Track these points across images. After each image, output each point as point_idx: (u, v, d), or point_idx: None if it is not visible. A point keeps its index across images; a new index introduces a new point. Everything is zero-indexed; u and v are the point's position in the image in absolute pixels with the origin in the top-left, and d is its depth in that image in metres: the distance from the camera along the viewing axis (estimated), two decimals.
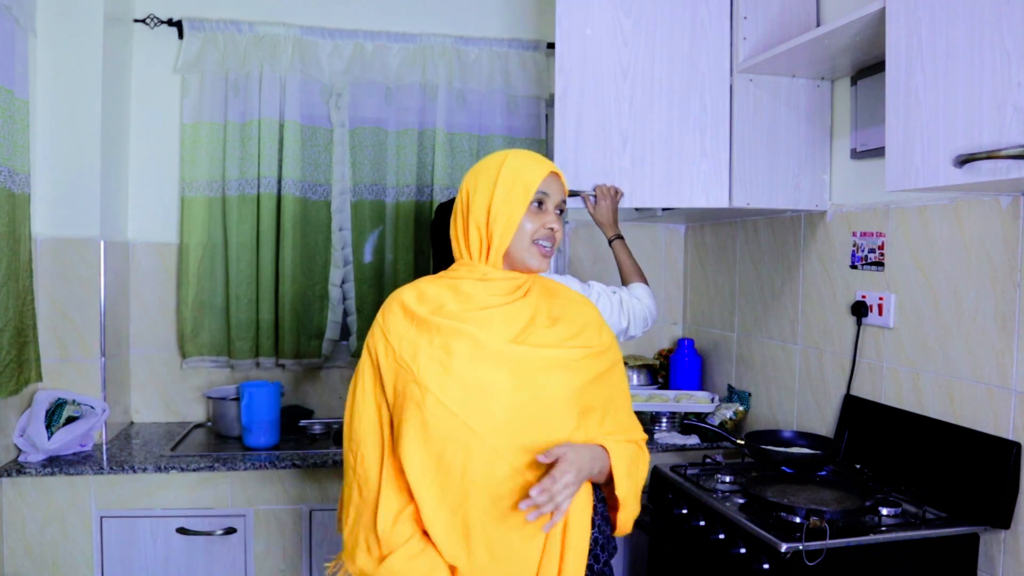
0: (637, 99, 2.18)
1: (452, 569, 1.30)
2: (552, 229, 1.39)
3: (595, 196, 2.19)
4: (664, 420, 2.63)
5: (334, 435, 2.67)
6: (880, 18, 1.58)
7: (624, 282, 2.20)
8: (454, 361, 1.30)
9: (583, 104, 2.19)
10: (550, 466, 1.26)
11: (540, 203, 1.39)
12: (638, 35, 2.18)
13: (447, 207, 2.10)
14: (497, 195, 1.36)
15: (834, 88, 2.20)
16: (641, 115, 2.18)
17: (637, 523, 2.30)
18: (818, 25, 2.14)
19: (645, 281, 2.20)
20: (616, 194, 2.17)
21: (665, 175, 2.18)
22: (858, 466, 1.96)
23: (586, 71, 2.19)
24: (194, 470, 2.20)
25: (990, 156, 1.26)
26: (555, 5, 2.19)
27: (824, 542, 1.55)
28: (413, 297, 1.40)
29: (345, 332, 2.85)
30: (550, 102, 2.97)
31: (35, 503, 2.16)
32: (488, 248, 1.38)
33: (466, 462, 1.28)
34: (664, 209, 2.62)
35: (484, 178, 1.38)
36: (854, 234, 2.10)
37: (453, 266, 1.45)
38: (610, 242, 2.23)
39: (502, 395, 1.30)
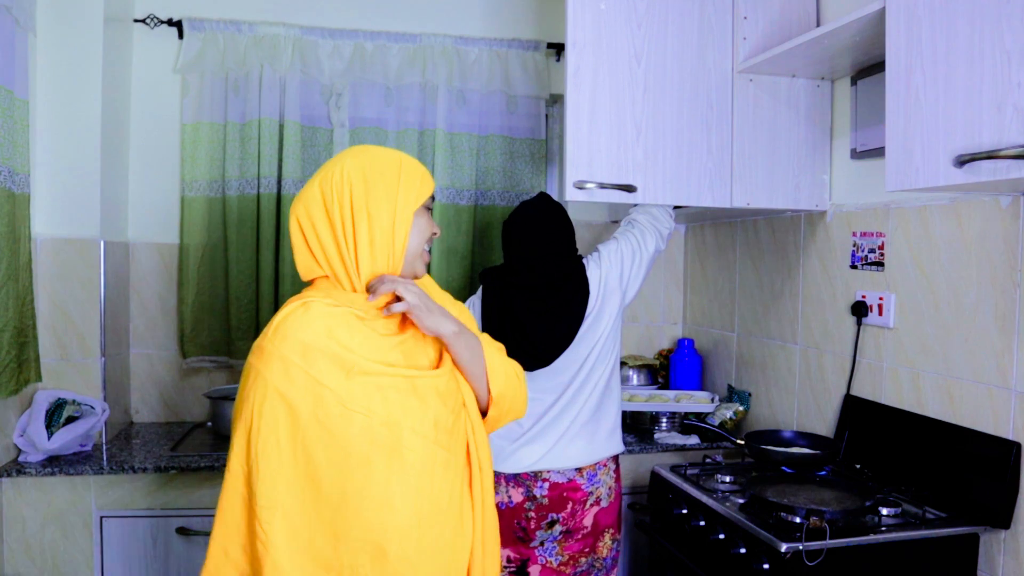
0: (651, 87, 2.08)
1: None
2: (434, 233, 1.37)
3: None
4: (664, 420, 2.63)
5: None
6: (880, 18, 1.58)
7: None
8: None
9: (597, 87, 2.05)
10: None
11: (429, 207, 1.36)
12: (652, 17, 2.08)
13: (550, 209, 2.05)
14: (401, 199, 1.27)
15: (834, 88, 2.20)
16: (654, 105, 2.09)
17: (637, 523, 2.32)
18: (818, 25, 2.14)
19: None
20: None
21: (676, 171, 2.10)
22: (858, 466, 1.96)
23: (600, 50, 2.05)
24: (194, 470, 2.20)
25: (990, 156, 1.26)
26: None
27: (824, 542, 1.55)
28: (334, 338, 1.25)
29: None
30: (550, 102, 2.98)
31: (35, 503, 2.16)
32: (383, 262, 1.28)
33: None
34: None
35: (381, 181, 1.26)
36: (854, 234, 2.10)
37: (329, 291, 1.29)
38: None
39: None
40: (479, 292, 2.11)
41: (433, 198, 1.39)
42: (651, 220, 2.16)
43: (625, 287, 2.09)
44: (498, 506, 1.98)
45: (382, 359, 1.26)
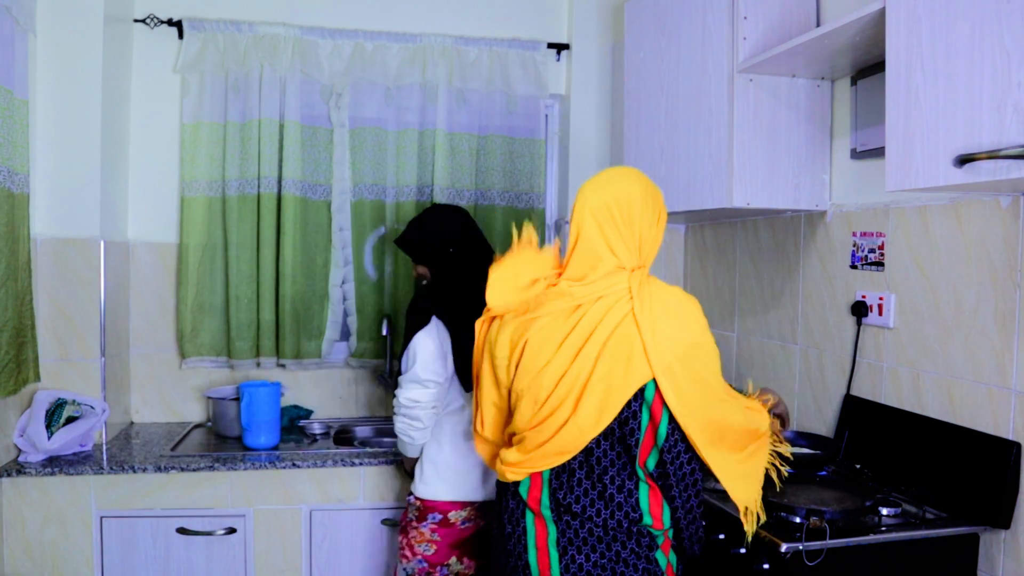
0: (670, 111, 2.34)
1: None
2: None
3: None
4: None
5: (334, 435, 2.67)
6: (880, 18, 1.58)
7: None
8: None
9: (640, 123, 2.47)
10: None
11: None
12: (670, 50, 2.34)
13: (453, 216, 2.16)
14: (659, 231, 1.65)
15: (834, 88, 2.20)
16: (672, 126, 2.34)
17: None
18: (818, 25, 2.14)
19: None
20: None
21: (685, 179, 2.27)
22: (858, 466, 1.96)
23: (641, 93, 2.45)
24: (194, 470, 2.20)
25: (990, 156, 1.26)
26: (624, 38, 2.57)
27: (824, 542, 1.55)
28: None
29: (345, 332, 2.85)
30: (550, 102, 2.98)
31: (35, 503, 2.16)
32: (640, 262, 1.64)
33: None
34: None
35: (652, 217, 1.62)
36: (854, 234, 2.10)
37: (644, 270, 1.62)
38: None
39: None
40: (433, 327, 1.98)
41: None
42: None
43: None
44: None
45: None
